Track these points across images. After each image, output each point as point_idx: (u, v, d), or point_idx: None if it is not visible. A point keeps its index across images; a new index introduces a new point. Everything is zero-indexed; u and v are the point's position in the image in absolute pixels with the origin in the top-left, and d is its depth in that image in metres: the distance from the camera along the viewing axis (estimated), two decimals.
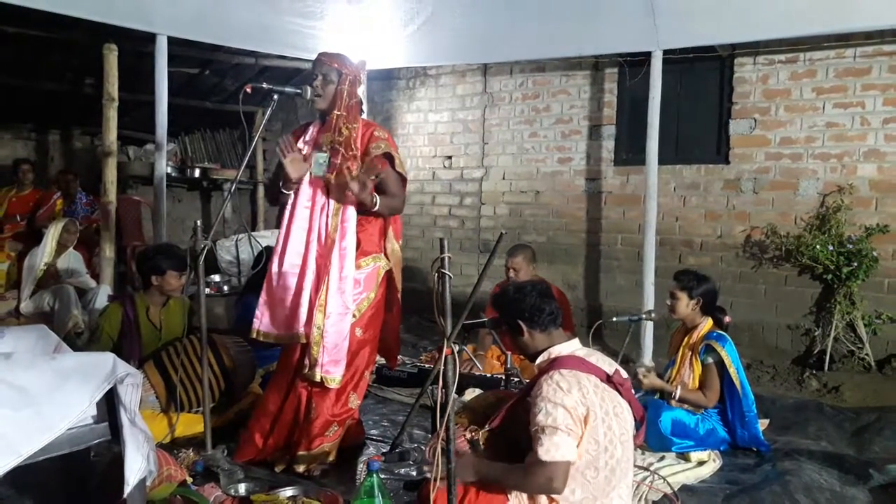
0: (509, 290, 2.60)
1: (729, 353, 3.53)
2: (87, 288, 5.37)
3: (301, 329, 3.14)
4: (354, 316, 3.18)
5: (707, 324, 3.65)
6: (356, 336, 3.21)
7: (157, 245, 4.43)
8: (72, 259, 5.52)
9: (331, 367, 3.11)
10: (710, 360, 3.55)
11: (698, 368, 3.59)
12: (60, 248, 5.45)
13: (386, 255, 3.32)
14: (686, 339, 3.70)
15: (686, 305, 3.64)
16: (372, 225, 3.28)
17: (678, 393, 3.55)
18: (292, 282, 3.17)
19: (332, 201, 3.18)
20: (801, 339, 5.30)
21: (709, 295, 3.66)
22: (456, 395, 2.25)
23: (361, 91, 3.55)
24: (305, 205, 3.20)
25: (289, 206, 3.24)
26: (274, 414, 3.27)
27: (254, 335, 3.26)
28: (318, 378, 3.11)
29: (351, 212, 3.16)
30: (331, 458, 3.24)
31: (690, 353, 3.63)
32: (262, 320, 3.24)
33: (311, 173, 3.19)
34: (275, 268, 3.21)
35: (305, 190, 3.20)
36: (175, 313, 4.00)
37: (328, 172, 3.14)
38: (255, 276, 4.65)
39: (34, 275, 5.27)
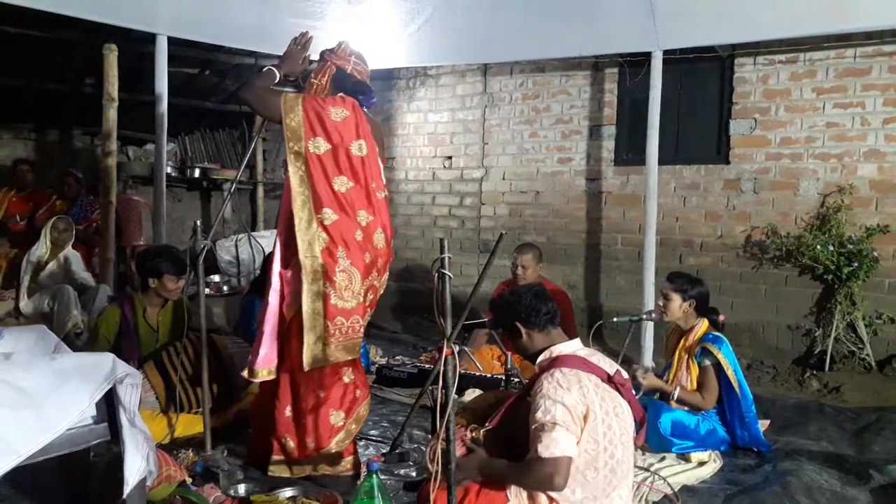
0: (505, 294, 2.65)
1: (725, 355, 3.53)
2: (87, 288, 5.36)
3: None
4: (284, 313, 3.03)
5: (703, 326, 3.65)
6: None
7: (157, 247, 4.42)
8: (71, 259, 5.50)
9: (261, 360, 3.04)
10: (706, 362, 3.55)
11: (695, 371, 3.59)
12: (55, 247, 5.44)
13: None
14: (682, 341, 3.70)
15: (679, 307, 3.65)
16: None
17: (676, 394, 3.55)
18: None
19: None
20: (801, 340, 5.30)
21: (702, 297, 3.68)
22: (456, 396, 2.25)
23: None
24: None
25: None
26: (266, 414, 3.26)
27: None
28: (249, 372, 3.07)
29: (292, 198, 2.95)
30: (343, 466, 3.17)
31: (687, 356, 3.63)
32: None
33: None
34: None
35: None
36: (173, 315, 4.00)
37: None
38: (260, 277, 4.65)
39: (31, 274, 5.26)
